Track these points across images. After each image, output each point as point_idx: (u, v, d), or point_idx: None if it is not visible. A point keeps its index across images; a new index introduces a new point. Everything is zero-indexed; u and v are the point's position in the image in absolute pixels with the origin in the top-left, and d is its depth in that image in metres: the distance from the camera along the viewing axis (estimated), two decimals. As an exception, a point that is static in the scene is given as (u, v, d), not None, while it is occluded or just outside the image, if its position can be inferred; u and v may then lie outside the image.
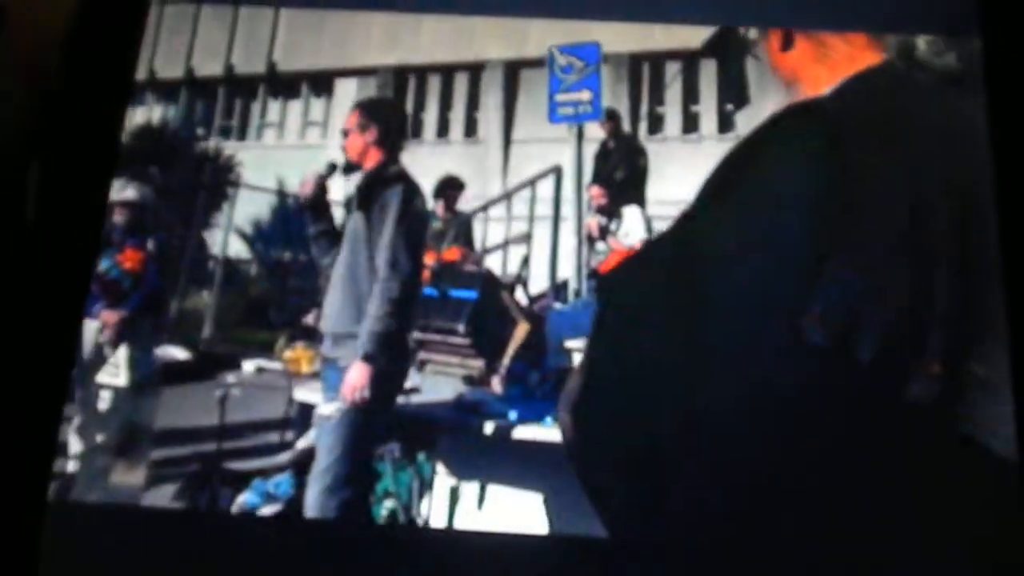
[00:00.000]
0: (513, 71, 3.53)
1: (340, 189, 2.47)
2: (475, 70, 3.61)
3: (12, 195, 1.49)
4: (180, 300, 2.77)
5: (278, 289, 2.85)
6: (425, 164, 3.30)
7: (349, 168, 2.39)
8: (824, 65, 1.32)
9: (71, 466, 2.20)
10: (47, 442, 1.55)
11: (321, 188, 2.38)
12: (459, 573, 1.49)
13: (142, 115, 3.41)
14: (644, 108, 3.41)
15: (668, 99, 3.42)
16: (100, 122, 1.73)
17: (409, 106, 3.53)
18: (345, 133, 2.41)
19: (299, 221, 2.44)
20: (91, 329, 2.39)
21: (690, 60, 3.32)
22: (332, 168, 2.39)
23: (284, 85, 3.48)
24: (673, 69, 3.40)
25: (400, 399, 2.35)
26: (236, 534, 1.65)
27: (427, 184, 2.97)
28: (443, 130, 3.61)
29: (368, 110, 2.45)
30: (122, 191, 2.59)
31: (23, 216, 1.49)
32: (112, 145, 1.77)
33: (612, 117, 3.12)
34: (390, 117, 2.48)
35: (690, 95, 3.39)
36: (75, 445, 2.25)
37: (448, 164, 3.33)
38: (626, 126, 3.25)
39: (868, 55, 1.34)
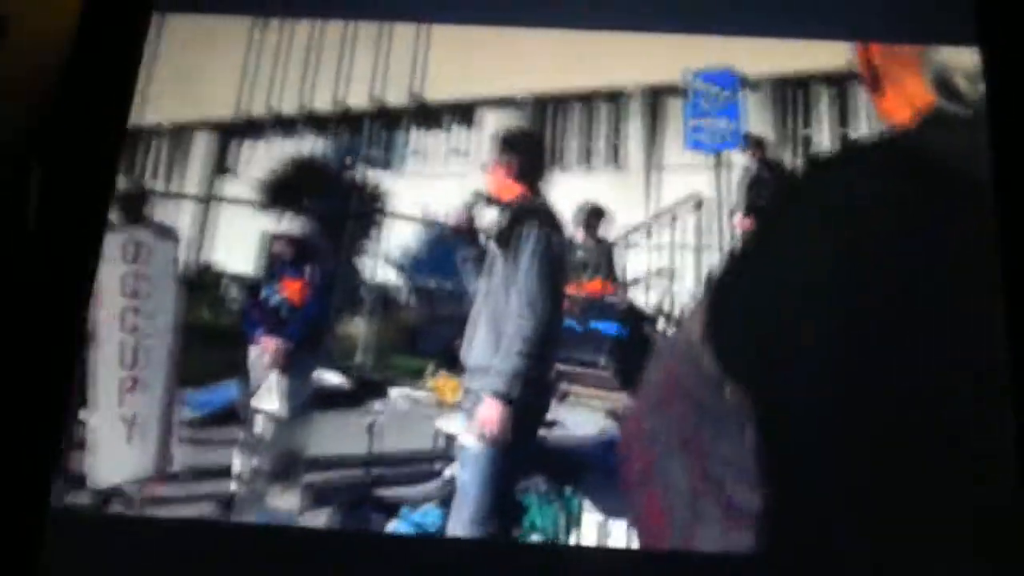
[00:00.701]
0: (655, 97, 3.48)
1: (488, 218, 2.48)
2: (616, 97, 3.58)
3: (14, 199, 1.51)
4: (335, 326, 2.86)
5: (427, 316, 2.89)
6: (569, 192, 3.29)
7: (491, 200, 2.40)
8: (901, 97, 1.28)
9: (233, 486, 2.29)
10: (48, 447, 1.54)
11: (469, 217, 2.40)
12: None
13: (294, 146, 3.58)
14: (794, 132, 3.28)
15: (819, 122, 3.28)
16: (102, 127, 1.74)
17: (551, 134, 3.53)
18: (488, 166, 2.42)
19: (446, 249, 2.47)
20: (253, 356, 2.49)
21: (841, 82, 3.18)
22: (479, 197, 2.40)
23: (428, 115, 3.56)
24: (824, 91, 3.27)
25: (542, 432, 2.33)
26: (241, 544, 1.63)
27: (569, 213, 2.95)
28: (586, 158, 3.59)
29: (505, 143, 2.46)
30: (281, 223, 2.70)
31: (25, 220, 1.51)
32: (114, 150, 1.78)
33: (758, 144, 3.01)
34: (527, 150, 2.48)
35: (842, 118, 3.24)
36: (238, 466, 2.34)
37: (592, 192, 3.30)
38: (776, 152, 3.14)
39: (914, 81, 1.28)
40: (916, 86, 1.30)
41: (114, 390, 2.30)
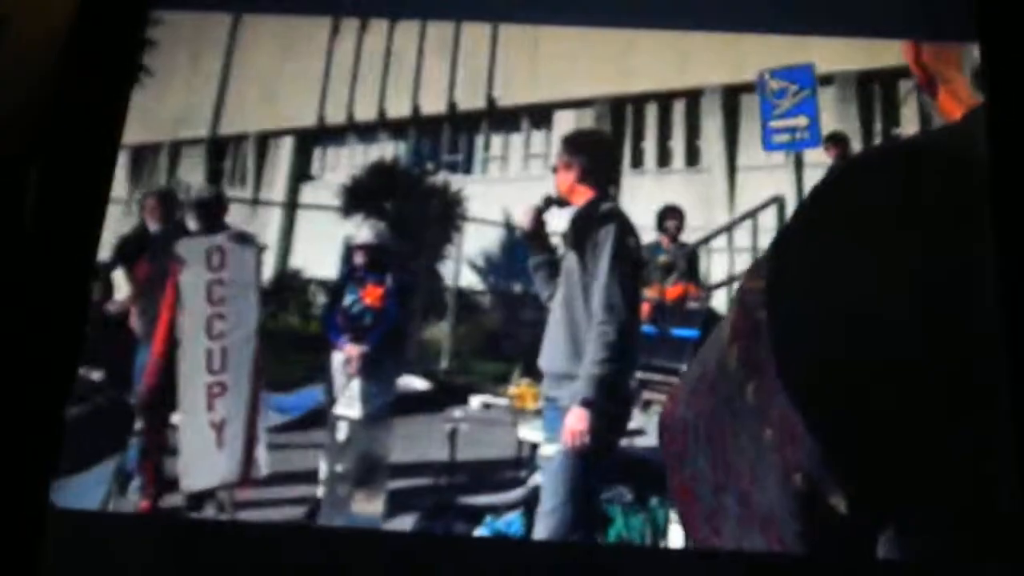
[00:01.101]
0: (733, 96, 3.40)
1: (560, 221, 2.45)
2: (693, 96, 3.51)
3: (11, 201, 1.51)
4: (419, 331, 2.87)
5: (510, 321, 2.88)
6: (647, 194, 3.24)
7: (562, 203, 2.37)
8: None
9: (319, 491, 2.31)
10: (47, 448, 1.53)
11: (538, 221, 2.37)
12: None
13: (375, 152, 3.61)
14: (878, 128, 3.17)
15: (903, 119, 3.16)
16: (99, 128, 1.71)
17: (628, 136, 3.48)
18: (555, 169, 2.39)
19: (525, 253, 2.44)
20: (336, 361, 2.51)
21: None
22: (549, 201, 2.37)
23: (504, 119, 3.55)
24: (907, 86, 3.14)
25: (625, 441, 2.28)
26: (242, 544, 1.60)
27: (649, 215, 2.90)
28: (664, 159, 3.53)
29: (573, 146, 2.42)
30: (362, 229, 2.72)
31: (22, 221, 1.51)
32: (111, 150, 1.73)
33: (838, 141, 2.91)
34: (596, 152, 2.43)
35: (925, 114, 3.11)
36: (323, 471, 2.36)
37: (670, 194, 3.25)
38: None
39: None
40: (962, 86, 1.24)
41: (202, 395, 2.34)
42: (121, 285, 2.55)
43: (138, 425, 2.32)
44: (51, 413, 1.58)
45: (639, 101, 3.52)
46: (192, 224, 2.56)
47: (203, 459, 2.29)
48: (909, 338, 0.91)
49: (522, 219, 2.40)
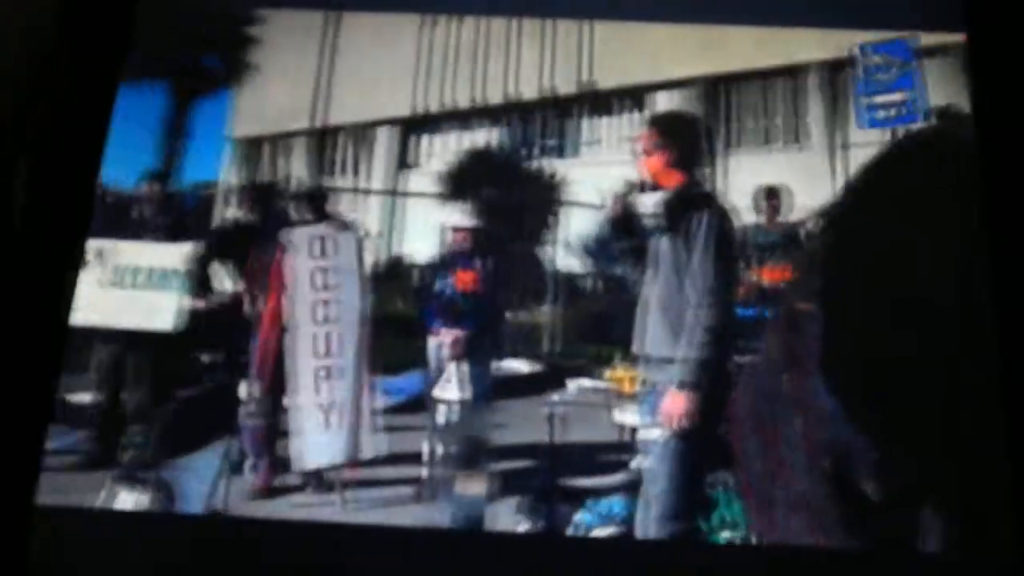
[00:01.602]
0: (833, 72, 3.28)
1: (648, 203, 2.42)
2: (792, 74, 3.40)
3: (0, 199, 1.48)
4: (520, 315, 2.90)
5: (613, 303, 2.87)
6: (748, 174, 3.16)
7: (649, 186, 2.33)
8: None
9: (424, 472, 2.37)
10: (32, 444, 1.49)
11: (624, 206, 2.35)
12: None
13: (472, 139, 3.65)
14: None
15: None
16: (87, 122, 1.66)
17: (724, 116, 3.41)
18: (641, 152, 2.35)
19: (613, 238, 2.43)
20: (432, 346, 2.56)
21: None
22: (634, 185, 2.34)
23: (598, 102, 3.52)
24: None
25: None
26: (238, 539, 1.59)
27: (749, 194, 2.84)
28: (765, 138, 3.44)
29: (663, 130, 2.38)
30: (455, 214, 2.75)
31: (11, 215, 1.48)
32: (98, 144, 1.69)
33: (943, 115, 2.76)
34: (686, 136, 2.39)
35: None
36: (426, 453, 2.41)
37: (772, 173, 3.16)
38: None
39: None
40: None
41: (310, 379, 2.43)
42: (220, 275, 2.65)
43: (253, 407, 2.42)
44: (35, 408, 1.59)
45: (735, 80, 3.44)
46: (297, 214, 2.65)
47: (313, 440, 2.38)
48: (951, 326, 0.89)
49: (607, 205, 2.38)
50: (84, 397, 2.56)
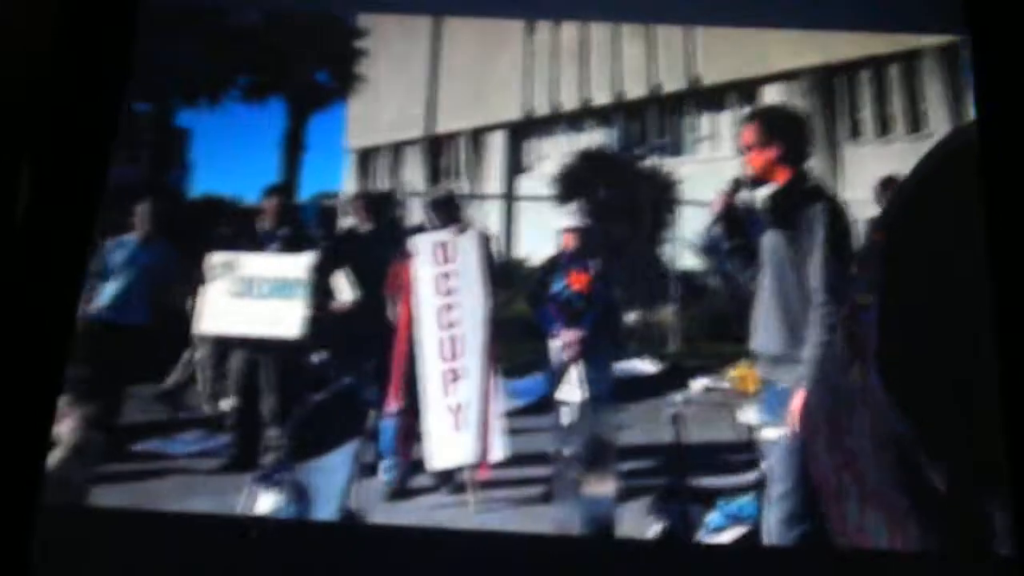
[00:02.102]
0: (953, 55, 3.15)
1: (756, 202, 2.38)
2: (910, 59, 3.28)
3: (3, 198, 1.46)
4: (641, 315, 2.89)
5: (733, 301, 2.84)
6: (867, 165, 3.07)
7: (755, 183, 2.29)
8: None
9: (550, 473, 2.39)
10: (36, 445, 1.45)
11: (730, 204, 2.31)
12: None
13: (583, 141, 3.66)
14: None
15: None
16: (91, 124, 1.62)
17: (841, 107, 3.32)
18: (746, 148, 2.30)
19: (720, 237, 2.40)
20: (554, 348, 2.58)
21: None
22: (738, 184, 2.30)
23: (710, 98, 3.48)
24: None
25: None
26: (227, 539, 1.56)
27: (869, 187, 2.75)
28: (884, 128, 3.33)
29: (768, 125, 2.32)
30: (568, 216, 2.77)
31: (14, 218, 1.46)
32: (104, 147, 1.65)
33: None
34: (792, 130, 2.33)
35: None
36: (553, 454, 2.43)
37: (892, 163, 3.06)
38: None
39: None
40: None
41: (439, 382, 2.48)
42: (341, 286, 2.74)
43: (393, 409, 2.50)
44: (41, 410, 1.59)
45: (850, 69, 3.34)
46: (428, 221, 2.70)
47: (444, 441, 2.43)
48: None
49: (713, 203, 2.35)
50: (224, 403, 2.71)
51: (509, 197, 3.67)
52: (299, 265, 2.70)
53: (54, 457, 1.88)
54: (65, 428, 2.11)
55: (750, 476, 2.26)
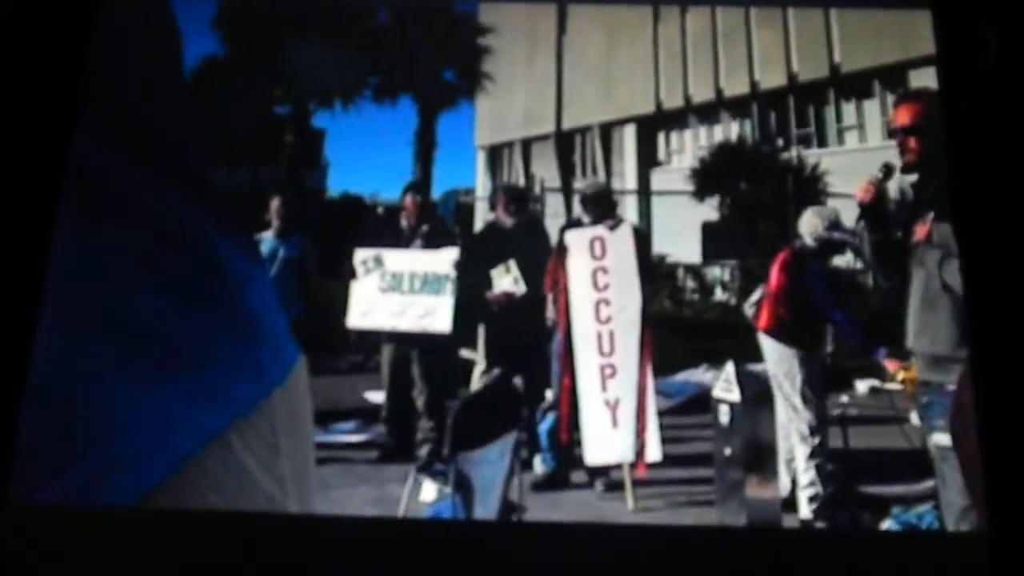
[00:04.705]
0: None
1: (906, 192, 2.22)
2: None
3: None
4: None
5: (893, 299, 2.72)
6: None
7: (908, 169, 2.12)
8: None
9: (711, 474, 2.33)
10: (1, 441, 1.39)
11: (878, 193, 2.15)
12: None
13: (718, 133, 3.57)
14: None
15: None
16: (50, 115, 1.55)
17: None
18: (898, 131, 2.11)
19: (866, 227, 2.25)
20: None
21: None
22: (888, 170, 2.13)
23: (854, 86, 3.33)
24: None
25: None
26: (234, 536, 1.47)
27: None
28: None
29: (916, 108, 2.12)
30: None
31: None
32: (64, 137, 1.57)
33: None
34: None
35: None
36: (714, 455, 2.37)
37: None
38: None
39: None
40: None
41: (595, 377, 2.45)
42: (499, 280, 2.73)
43: (549, 403, 2.49)
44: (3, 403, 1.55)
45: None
46: (585, 215, 2.67)
47: (600, 436, 2.40)
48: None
49: (861, 192, 2.20)
50: (378, 395, 2.75)
51: (647, 192, 3.61)
52: (445, 260, 2.74)
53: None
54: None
55: (930, 483, 2.13)
